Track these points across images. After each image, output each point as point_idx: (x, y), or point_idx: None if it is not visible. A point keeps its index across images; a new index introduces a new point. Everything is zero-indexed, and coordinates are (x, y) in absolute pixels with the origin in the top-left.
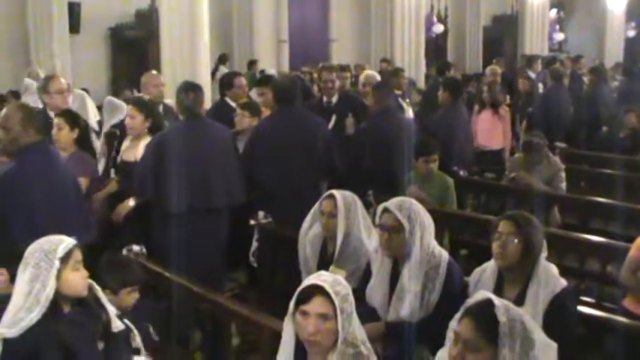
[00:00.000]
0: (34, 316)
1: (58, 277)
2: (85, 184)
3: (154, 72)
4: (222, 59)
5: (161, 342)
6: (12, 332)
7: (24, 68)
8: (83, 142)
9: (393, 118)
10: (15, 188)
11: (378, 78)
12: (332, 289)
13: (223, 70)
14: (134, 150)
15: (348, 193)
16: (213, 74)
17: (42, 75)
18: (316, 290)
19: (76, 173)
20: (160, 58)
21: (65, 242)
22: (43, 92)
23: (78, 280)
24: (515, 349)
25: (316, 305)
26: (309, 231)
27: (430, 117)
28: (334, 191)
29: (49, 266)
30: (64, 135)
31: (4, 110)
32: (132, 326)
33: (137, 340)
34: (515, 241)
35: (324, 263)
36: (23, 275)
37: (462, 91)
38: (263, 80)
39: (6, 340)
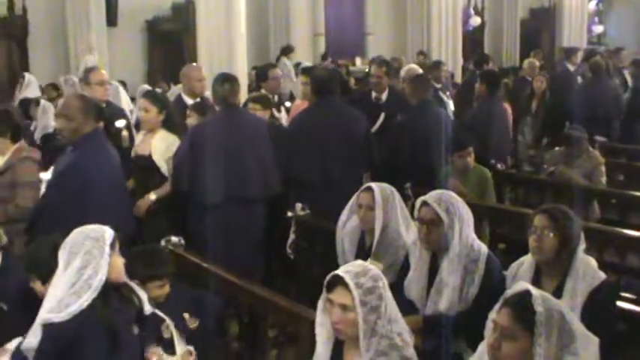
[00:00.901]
0: (84, 301)
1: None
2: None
3: (195, 64)
4: (285, 51)
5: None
6: (59, 317)
7: (61, 61)
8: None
9: (431, 112)
10: (75, 177)
11: (420, 72)
12: (352, 281)
13: (285, 62)
14: (147, 144)
15: (385, 186)
16: (274, 66)
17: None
18: (338, 280)
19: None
20: (195, 51)
21: (108, 230)
22: (84, 84)
23: (121, 266)
24: (552, 339)
25: (338, 295)
26: (347, 224)
27: (466, 110)
28: (372, 184)
29: (101, 253)
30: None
31: (62, 100)
32: (165, 317)
33: (170, 330)
34: (551, 235)
35: (361, 256)
36: (72, 262)
37: (500, 84)
38: (306, 70)
39: (49, 325)
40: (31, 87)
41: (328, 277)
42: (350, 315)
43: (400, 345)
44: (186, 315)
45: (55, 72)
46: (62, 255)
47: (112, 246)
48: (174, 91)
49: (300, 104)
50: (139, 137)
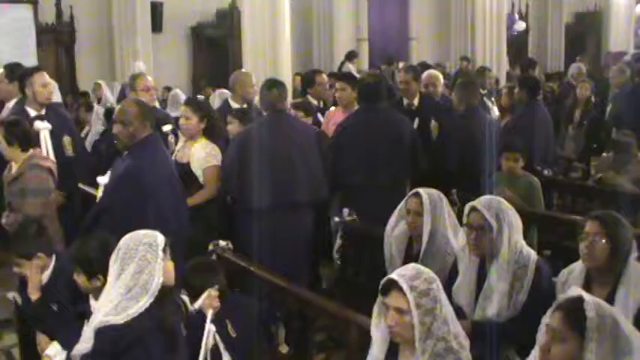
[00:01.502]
0: (143, 304)
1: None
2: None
3: (246, 71)
4: (349, 56)
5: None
6: (119, 319)
7: (108, 67)
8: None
9: (478, 118)
10: (131, 182)
11: (440, 78)
12: (407, 284)
13: (350, 67)
14: (187, 152)
15: (434, 191)
16: (320, 72)
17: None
18: (392, 284)
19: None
20: (240, 56)
21: (159, 235)
22: (130, 90)
23: (172, 270)
24: (605, 346)
25: (393, 299)
26: (395, 229)
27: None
28: (420, 189)
29: (155, 257)
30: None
31: (119, 106)
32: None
33: (214, 337)
34: (603, 241)
35: (409, 262)
36: (127, 268)
37: (540, 89)
38: (344, 76)
39: (108, 327)
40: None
41: (383, 282)
42: (405, 318)
43: (456, 348)
44: (228, 323)
45: (102, 78)
46: (114, 261)
47: (164, 250)
48: (216, 96)
49: (334, 112)
50: (179, 144)
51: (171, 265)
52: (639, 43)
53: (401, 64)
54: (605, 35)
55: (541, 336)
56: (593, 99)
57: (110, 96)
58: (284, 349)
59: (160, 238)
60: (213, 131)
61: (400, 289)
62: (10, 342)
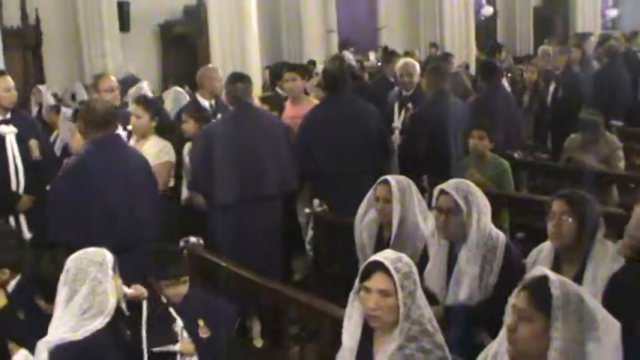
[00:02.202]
0: (99, 323)
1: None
2: None
3: (212, 65)
4: (344, 45)
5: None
6: (77, 335)
7: (76, 68)
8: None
9: (447, 103)
10: (76, 177)
11: (415, 66)
12: (392, 266)
13: (348, 55)
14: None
15: (402, 178)
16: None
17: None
18: (377, 267)
19: None
20: (209, 53)
21: (107, 253)
22: (93, 90)
23: (121, 287)
24: (570, 324)
25: (377, 281)
26: (365, 217)
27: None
28: (388, 177)
29: (106, 277)
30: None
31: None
32: (176, 317)
33: (181, 330)
34: (570, 220)
35: (380, 249)
36: (79, 290)
37: (496, 73)
38: (295, 66)
39: (67, 344)
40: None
41: (365, 264)
42: (389, 300)
43: (431, 331)
44: (200, 322)
45: (70, 79)
46: (64, 284)
47: (114, 269)
48: (169, 94)
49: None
50: (131, 142)
51: (119, 282)
52: (607, 25)
53: (371, 54)
54: (573, 17)
55: (508, 316)
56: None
57: (51, 99)
58: (259, 342)
59: (108, 257)
60: (164, 129)
61: (386, 270)
62: None
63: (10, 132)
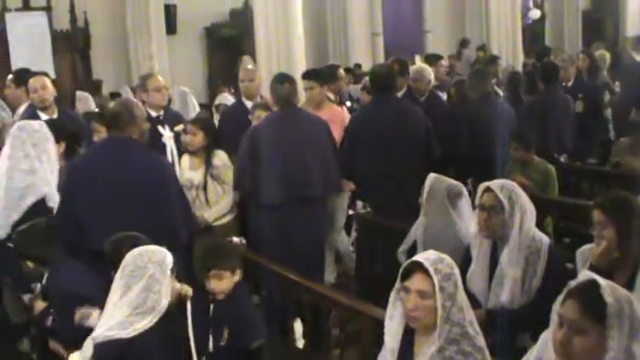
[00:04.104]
0: (147, 322)
1: None
2: None
3: (249, 66)
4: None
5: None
6: (124, 334)
7: (124, 70)
8: (71, 154)
9: (492, 105)
10: (70, 175)
11: (429, 73)
12: (432, 267)
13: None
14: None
15: (441, 179)
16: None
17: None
18: (417, 267)
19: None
20: (255, 56)
21: (168, 254)
22: (141, 90)
23: (176, 289)
24: (624, 331)
25: (416, 282)
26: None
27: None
28: (430, 174)
29: (163, 277)
30: None
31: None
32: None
33: None
34: (608, 228)
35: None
36: (134, 285)
37: (557, 75)
38: (313, 74)
39: (111, 342)
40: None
41: (405, 264)
42: (428, 302)
43: (472, 334)
44: (225, 331)
45: (118, 81)
46: (120, 277)
47: (172, 270)
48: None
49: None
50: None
51: (176, 285)
52: None
53: (417, 58)
54: (623, 20)
55: (554, 328)
56: None
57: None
58: (301, 344)
59: (168, 258)
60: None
61: (425, 271)
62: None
63: None
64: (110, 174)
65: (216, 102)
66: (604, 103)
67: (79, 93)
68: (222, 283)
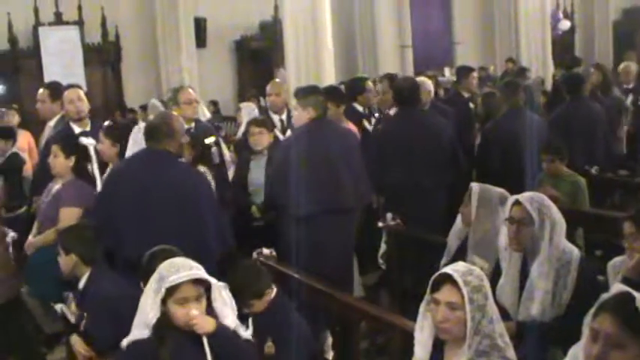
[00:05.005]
0: (141, 335)
1: (164, 305)
2: (76, 215)
3: (277, 80)
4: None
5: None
6: (124, 342)
7: (154, 83)
8: (81, 169)
9: (523, 117)
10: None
11: (430, 84)
12: (461, 279)
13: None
14: None
15: (490, 187)
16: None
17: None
18: (446, 279)
19: (67, 203)
20: (285, 68)
21: (180, 274)
22: (173, 103)
23: (179, 316)
24: None
25: (445, 293)
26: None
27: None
28: (474, 183)
29: (157, 293)
30: (59, 163)
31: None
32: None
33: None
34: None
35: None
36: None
37: (582, 86)
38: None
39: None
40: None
41: (435, 276)
42: (457, 313)
43: (502, 346)
44: (269, 341)
45: (148, 94)
46: (151, 282)
47: (170, 291)
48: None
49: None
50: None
51: (176, 309)
52: None
53: (446, 70)
54: None
55: (587, 342)
56: None
57: None
58: (329, 355)
59: (172, 277)
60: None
61: (454, 283)
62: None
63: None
64: (142, 185)
65: (241, 112)
66: (615, 122)
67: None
68: (261, 302)
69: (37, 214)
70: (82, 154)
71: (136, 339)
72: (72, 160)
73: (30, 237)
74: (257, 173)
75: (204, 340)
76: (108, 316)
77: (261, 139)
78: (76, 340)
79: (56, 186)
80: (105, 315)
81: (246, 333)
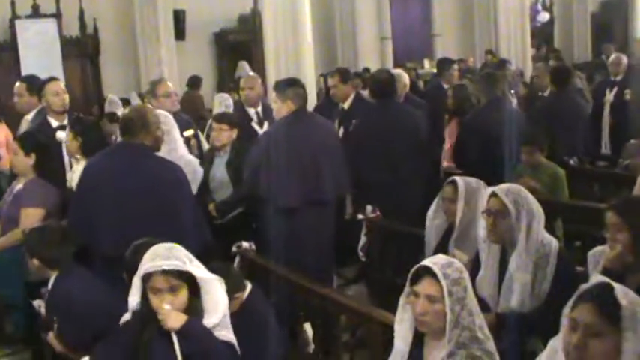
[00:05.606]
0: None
1: (144, 293)
2: (38, 216)
3: (251, 73)
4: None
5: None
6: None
7: (133, 76)
8: (42, 167)
9: (502, 109)
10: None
11: (405, 77)
12: (441, 272)
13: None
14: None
15: (472, 180)
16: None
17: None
18: (425, 271)
19: (28, 204)
20: (264, 61)
21: (153, 263)
22: (151, 96)
23: (153, 306)
24: (639, 333)
25: (425, 286)
26: (435, 215)
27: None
28: (457, 177)
29: (139, 278)
30: (19, 161)
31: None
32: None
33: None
34: (622, 231)
35: (442, 247)
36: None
37: (569, 78)
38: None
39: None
40: (113, 106)
41: (414, 268)
42: (436, 306)
43: (482, 338)
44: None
45: (127, 87)
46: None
47: (145, 279)
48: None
49: None
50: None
51: (152, 297)
52: None
53: (426, 62)
54: (632, 23)
55: (566, 332)
56: None
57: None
58: (311, 348)
59: (146, 265)
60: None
61: (434, 275)
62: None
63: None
64: (118, 180)
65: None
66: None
67: (110, 96)
68: (232, 304)
69: (0, 215)
70: (44, 152)
71: (125, 320)
72: (32, 158)
73: None
74: (219, 170)
75: (173, 336)
76: (72, 318)
77: (221, 136)
78: (52, 338)
79: (18, 185)
80: (69, 318)
81: (229, 334)
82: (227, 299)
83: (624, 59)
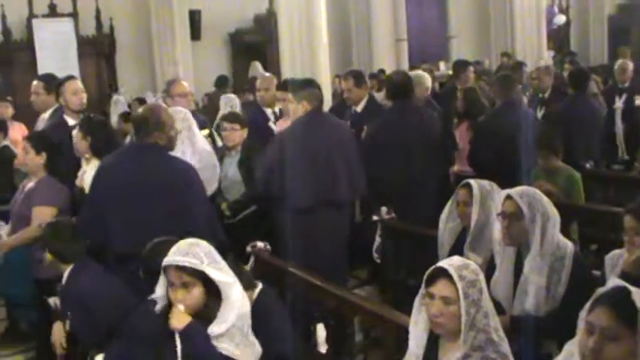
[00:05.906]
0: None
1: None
2: (49, 214)
3: (267, 74)
4: None
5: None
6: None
7: (148, 76)
8: (53, 166)
9: (517, 112)
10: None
11: (428, 79)
12: (456, 273)
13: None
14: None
15: (485, 182)
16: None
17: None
18: (441, 273)
19: (39, 202)
20: (279, 61)
21: (170, 258)
22: (166, 96)
23: (173, 297)
24: None
25: (440, 288)
26: (449, 218)
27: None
28: (471, 180)
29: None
30: (30, 159)
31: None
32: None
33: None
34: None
35: (456, 250)
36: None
37: (587, 82)
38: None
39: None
40: (119, 106)
41: (430, 270)
42: (451, 308)
43: (497, 340)
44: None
45: (142, 87)
46: None
47: (164, 270)
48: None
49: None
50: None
51: (170, 290)
52: None
53: (442, 64)
54: None
55: (582, 335)
56: None
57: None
58: (323, 349)
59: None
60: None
61: (449, 277)
62: None
63: None
64: (131, 179)
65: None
66: None
67: (115, 96)
68: None
69: (11, 213)
70: (54, 151)
71: (147, 309)
72: (43, 157)
73: (4, 235)
74: (230, 169)
75: (176, 335)
76: (85, 314)
77: (233, 136)
78: (56, 329)
79: (30, 183)
80: (81, 314)
81: (231, 348)
82: (247, 309)
83: (630, 65)
